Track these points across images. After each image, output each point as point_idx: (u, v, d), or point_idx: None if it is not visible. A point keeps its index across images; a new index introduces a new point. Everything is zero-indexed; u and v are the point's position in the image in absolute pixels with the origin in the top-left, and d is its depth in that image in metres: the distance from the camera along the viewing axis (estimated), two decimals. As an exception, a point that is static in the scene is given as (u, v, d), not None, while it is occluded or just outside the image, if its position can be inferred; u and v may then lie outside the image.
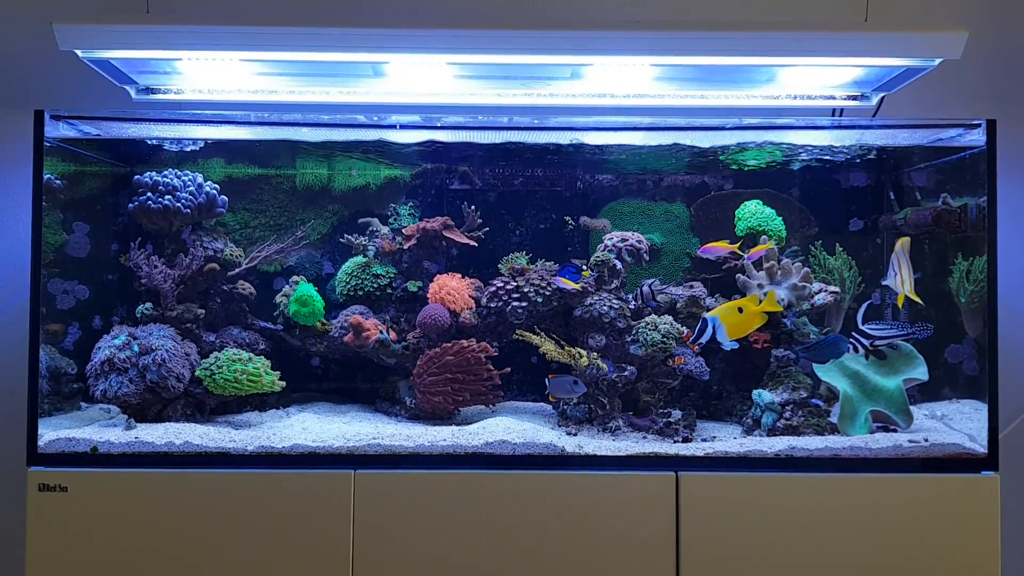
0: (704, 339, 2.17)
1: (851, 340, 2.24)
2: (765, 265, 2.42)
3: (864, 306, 2.26)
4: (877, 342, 2.23)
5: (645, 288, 2.45)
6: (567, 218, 2.68)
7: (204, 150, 2.57)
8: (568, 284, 2.37)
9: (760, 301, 2.21)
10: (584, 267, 2.40)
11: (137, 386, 2.21)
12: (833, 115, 2.47)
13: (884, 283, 2.35)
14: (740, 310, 2.18)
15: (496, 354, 2.40)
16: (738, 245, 2.45)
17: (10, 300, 2.55)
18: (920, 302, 2.22)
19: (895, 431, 2.23)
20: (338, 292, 2.66)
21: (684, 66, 2.13)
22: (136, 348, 2.22)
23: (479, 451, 2.09)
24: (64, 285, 2.46)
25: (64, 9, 2.53)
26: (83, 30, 1.96)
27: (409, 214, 2.71)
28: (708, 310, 2.49)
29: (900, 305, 2.30)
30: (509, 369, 2.41)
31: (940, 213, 2.30)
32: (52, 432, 2.11)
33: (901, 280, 2.19)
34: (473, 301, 2.49)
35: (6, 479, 2.53)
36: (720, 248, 2.45)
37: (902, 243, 2.22)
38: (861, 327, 2.24)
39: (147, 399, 2.24)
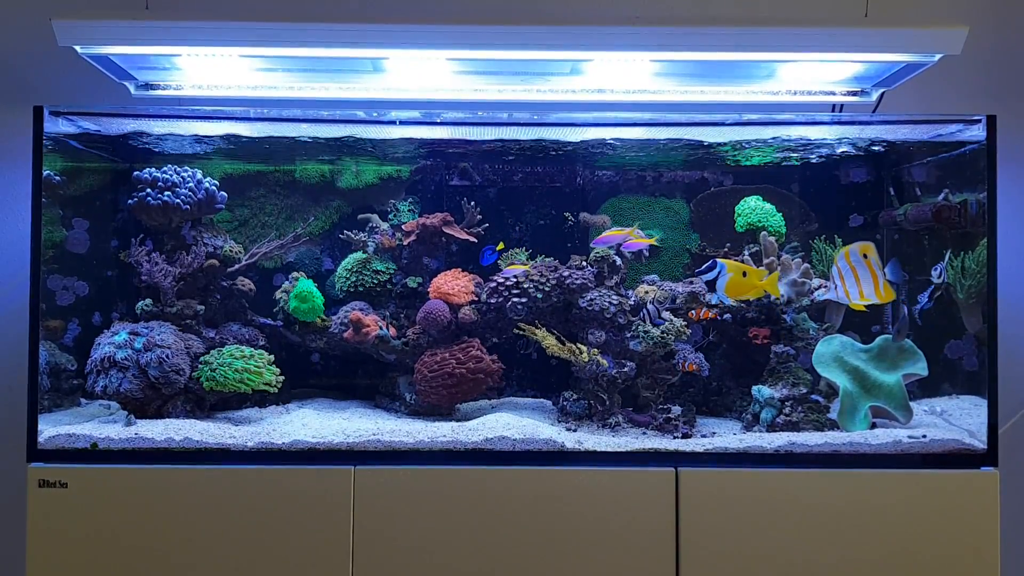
0: (708, 276, 2.21)
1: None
2: (765, 261, 2.42)
3: (929, 289, 2.24)
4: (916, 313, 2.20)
5: (651, 308, 2.43)
6: (567, 214, 2.68)
7: (203, 146, 2.56)
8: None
9: (765, 277, 2.23)
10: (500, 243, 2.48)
11: (138, 382, 2.21)
12: (833, 111, 2.47)
13: (824, 297, 2.34)
14: (745, 274, 2.20)
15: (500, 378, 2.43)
16: (631, 230, 2.44)
17: (10, 296, 2.55)
18: (864, 309, 2.18)
19: (882, 427, 2.23)
20: (338, 288, 2.65)
21: (683, 62, 2.13)
22: (140, 344, 2.22)
23: (479, 447, 2.09)
24: (64, 281, 2.46)
25: (63, 5, 2.51)
26: (82, 26, 1.96)
27: (409, 210, 2.70)
28: (708, 307, 2.49)
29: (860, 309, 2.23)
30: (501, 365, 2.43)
31: (940, 209, 2.30)
32: (52, 428, 2.11)
33: (845, 291, 2.14)
34: (474, 294, 2.50)
35: (6, 475, 2.53)
36: (616, 236, 2.43)
37: (846, 252, 2.16)
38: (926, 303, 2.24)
39: (147, 395, 2.24)
